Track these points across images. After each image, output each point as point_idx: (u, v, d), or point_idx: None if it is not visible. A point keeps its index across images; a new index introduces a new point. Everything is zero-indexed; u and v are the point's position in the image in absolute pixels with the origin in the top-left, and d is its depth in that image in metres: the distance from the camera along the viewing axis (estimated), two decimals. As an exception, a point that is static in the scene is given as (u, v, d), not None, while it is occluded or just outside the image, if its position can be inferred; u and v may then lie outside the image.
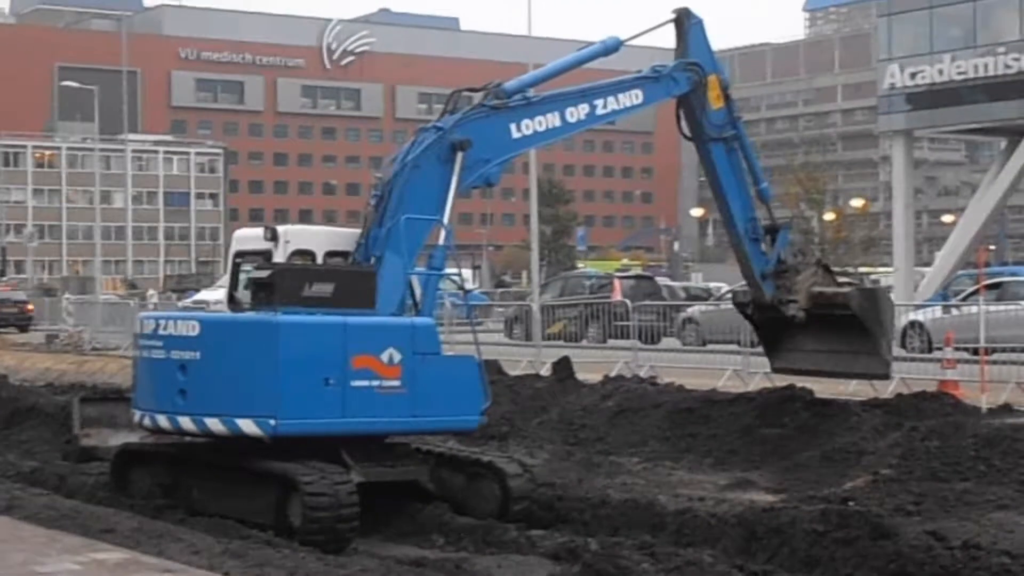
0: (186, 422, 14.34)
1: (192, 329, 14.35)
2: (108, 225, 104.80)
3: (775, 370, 20.56)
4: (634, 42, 18.48)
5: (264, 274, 14.50)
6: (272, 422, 13.71)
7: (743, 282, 20.65)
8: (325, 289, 14.25)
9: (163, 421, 14.63)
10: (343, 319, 14.10)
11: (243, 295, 15.52)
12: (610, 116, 17.47)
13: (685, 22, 18.46)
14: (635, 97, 17.58)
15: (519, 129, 16.23)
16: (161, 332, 14.62)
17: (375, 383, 14.10)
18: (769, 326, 20.12)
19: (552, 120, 16.57)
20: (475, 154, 15.62)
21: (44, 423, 21.76)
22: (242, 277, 16.29)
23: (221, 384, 14.05)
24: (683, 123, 18.72)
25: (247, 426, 13.84)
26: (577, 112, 16.89)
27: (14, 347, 40.54)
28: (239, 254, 16.24)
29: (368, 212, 15.58)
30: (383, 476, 14.62)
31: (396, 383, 14.21)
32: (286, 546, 12.60)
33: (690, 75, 18.16)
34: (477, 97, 16.43)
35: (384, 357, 14.17)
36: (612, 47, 17.86)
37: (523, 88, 16.43)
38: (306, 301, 14.13)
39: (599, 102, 17.17)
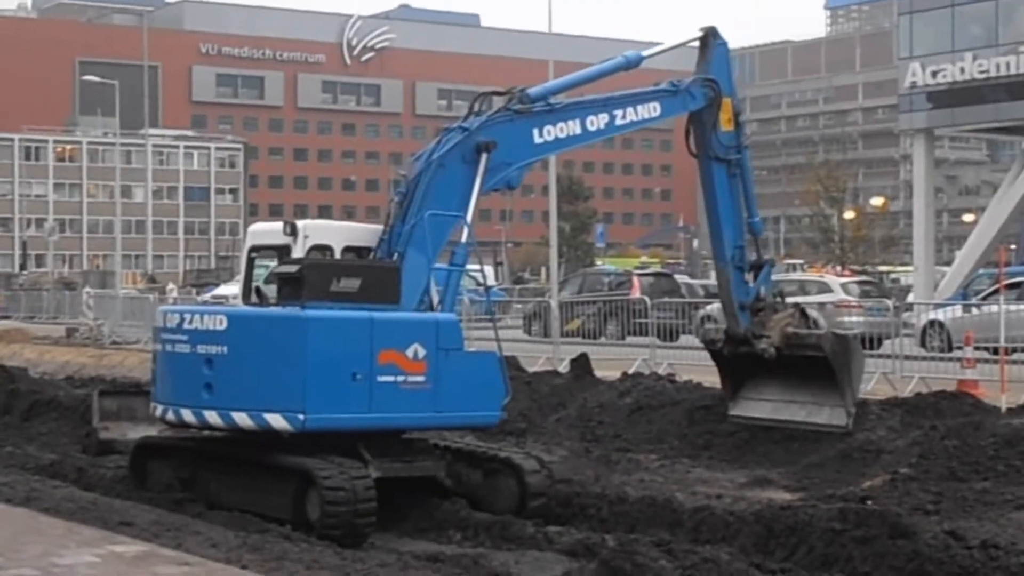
0: (212, 416, 14.38)
1: (219, 323, 14.39)
2: (128, 219, 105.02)
3: (732, 418, 20.03)
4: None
5: (291, 269, 14.54)
6: (300, 416, 13.75)
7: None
8: (351, 284, 14.31)
9: (188, 415, 14.68)
10: (370, 314, 14.14)
11: (268, 290, 15.56)
12: (628, 127, 17.80)
13: (711, 42, 18.68)
14: (653, 110, 17.88)
15: (541, 135, 16.51)
16: (186, 326, 14.66)
17: (400, 378, 14.17)
18: (736, 365, 19.80)
19: (573, 127, 16.85)
20: (499, 156, 15.86)
21: (63, 416, 21.83)
22: (258, 272, 16.33)
23: (249, 378, 14.10)
24: (691, 139, 18.90)
25: (275, 420, 13.88)
26: (597, 121, 17.18)
27: (35, 340, 40.65)
28: (254, 248, 16.29)
29: (392, 209, 15.73)
30: (401, 472, 14.65)
31: (421, 378, 14.26)
32: (304, 540, 12.63)
33: (707, 91, 18.37)
34: (501, 101, 16.66)
35: (409, 353, 14.23)
36: (634, 62, 18.06)
37: (546, 95, 16.75)
38: (332, 296, 14.19)
39: (618, 112, 17.44)
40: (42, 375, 28.44)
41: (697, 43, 18.86)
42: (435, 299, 15.21)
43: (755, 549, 12.99)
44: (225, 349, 14.26)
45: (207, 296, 49.64)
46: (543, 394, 22.81)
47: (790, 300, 21.05)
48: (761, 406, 19.58)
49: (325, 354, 13.89)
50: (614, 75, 18.05)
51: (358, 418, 14.07)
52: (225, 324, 14.36)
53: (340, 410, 13.94)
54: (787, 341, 18.98)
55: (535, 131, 16.44)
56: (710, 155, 18.72)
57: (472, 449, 15.89)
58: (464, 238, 15.52)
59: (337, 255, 15.54)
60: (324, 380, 13.86)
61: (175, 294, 48.92)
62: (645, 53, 18.30)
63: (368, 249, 15.68)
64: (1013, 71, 51.61)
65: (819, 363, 18.79)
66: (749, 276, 19.22)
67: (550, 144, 16.74)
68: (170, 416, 15.04)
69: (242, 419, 14.13)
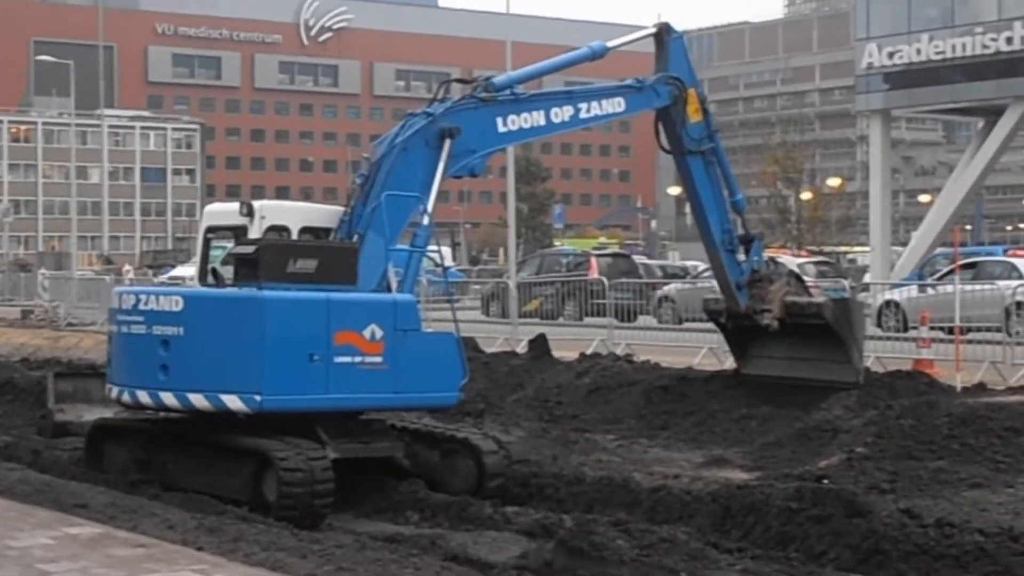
0: (168, 398, 14.32)
1: (175, 304, 14.32)
2: (84, 200, 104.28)
3: (744, 377, 20.49)
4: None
5: (248, 250, 14.48)
6: (258, 398, 13.72)
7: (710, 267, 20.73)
8: (308, 265, 14.27)
9: (143, 397, 14.61)
10: (327, 295, 14.10)
11: (225, 271, 15.50)
12: (592, 120, 17.95)
13: (665, 36, 18.83)
14: (618, 105, 18.08)
15: (505, 124, 16.60)
16: (142, 307, 14.57)
17: (358, 359, 14.14)
18: (740, 334, 20.31)
19: (537, 118, 16.96)
20: (462, 143, 15.92)
21: (18, 398, 21.70)
22: (214, 253, 16.27)
23: (205, 360, 14.04)
24: (662, 137, 19.07)
25: (232, 402, 13.83)
26: (562, 113, 17.31)
27: (-11, 322, 40.38)
28: (210, 229, 16.24)
29: (353, 191, 15.73)
30: (358, 452, 14.63)
31: (378, 359, 14.25)
32: (261, 521, 12.58)
33: (671, 89, 18.54)
34: (460, 89, 16.76)
35: (367, 333, 14.21)
36: (599, 52, 18.18)
37: (511, 84, 16.83)
38: (289, 277, 14.15)
39: (583, 106, 17.58)
40: (-3, 357, 28.24)
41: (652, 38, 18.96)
42: (394, 281, 15.19)
43: (712, 528, 13.04)
44: (181, 330, 14.18)
45: (164, 277, 49.43)
46: (501, 375, 22.81)
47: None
48: (771, 364, 19.97)
49: (282, 335, 13.84)
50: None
51: (315, 399, 14.04)
52: (181, 305, 14.29)
53: (297, 391, 13.91)
54: (788, 311, 19.38)
55: (499, 120, 16.52)
56: (684, 150, 18.89)
57: (430, 430, 15.88)
58: (424, 221, 15.51)
59: (294, 236, 15.49)
60: (281, 361, 13.81)
61: (131, 275, 48.68)
62: (610, 44, 18.43)
63: (326, 230, 15.65)
64: (969, 52, 51.88)
65: (822, 326, 19.19)
66: (741, 255, 19.48)
67: (514, 133, 16.87)
68: (126, 398, 14.95)
69: (199, 400, 14.07)
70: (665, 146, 19.17)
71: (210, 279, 15.83)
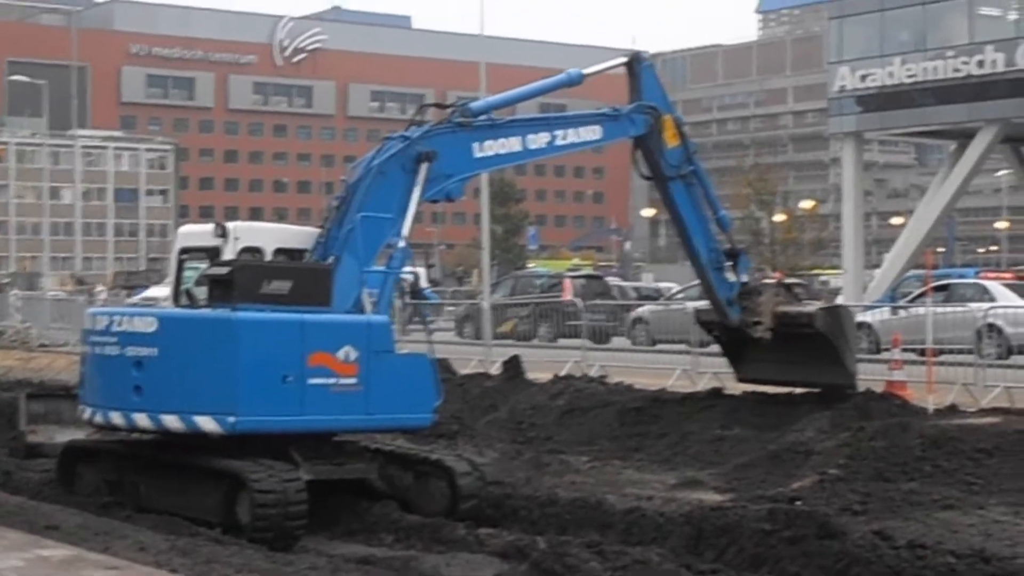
0: (142, 419, 14.28)
1: (149, 325, 14.30)
2: (57, 221, 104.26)
3: (741, 380, 20.83)
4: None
5: (222, 271, 14.47)
6: (231, 419, 13.69)
7: (696, 281, 20.90)
8: (282, 286, 14.26)
9: (116, 418, 14.56)
10: (300, 317, 14.09)
11: (198, 292, 15.48)
12: (568, 147, 18.11)
13: (636, 66, 18.97)
14: (594, 132, 18.24)
15: (481, 149, 16.68)
16: (115, 328, 14.55)
17: (331, 381, 14.14)
18: (734, 342, 20.59)
19: (513, 144, 17.07)
20: (439, 168, 15.98)
21: (-10, 419, 21.54)
22: (187, 274, 16.25)
23: (178, 381, 14.02)
24: (640, 164, 19.22)
25: (205, 423, 13.80)
26: (538, 140, 17.42)
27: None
28: (184, 250, 16.21)
29: (329, 213, 15.74)
30: (332, 474, 14.61)
31: (352, 381, 14.24)
32: (234, 543, 12.57)
33: (646, 117, 18.68)
34: (437, 113, 16.86)
35: (340, 355, 14.21)
36: (575, 79, 18.33)
37: (488, 109, 16.94)
38: (263, 298, 14.14)
39: (559, 133, 17.74)
40: (-32, 378, 28.08)
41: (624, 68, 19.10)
42: (368, 303, 15.19)
43: (685, 550, 13.05)
44: (155, 351, 14.16)
45: (136, 298, 49.22)
46: (475, 396, 22.82)
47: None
48: (767, 367, 20.23)
49: (256, 356, 13.83)
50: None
51: (289, 420, 14.02)
52: (155, 326, 14.27)
53: (271, 412, 13.89)
54: (779, 321, 19.64)
55: (475, 145, 16.60)
56: (664, 176, 19.02)
57: (404, 451, 15.88)
58: (400, 244, 15.54)
59: (268, 257, 15.49)
60: (255, 382, 13.80)
61: (104, 296, 48.50)
62: (585, 72, 18.55)
63: (300, 251, 15.65)
64: (941, 75, 52.17)
65: (815, 333, 19.50)
66: (729, 271, 19.68)
67: (490, 159, 16.93)
68: (98, 419, 14.91)
69: (172, 421, 14.04)
70: (645, 173, 19.33)
71: (184, 300, 15.81)
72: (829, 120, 58.82)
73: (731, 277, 19.72)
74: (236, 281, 14.14)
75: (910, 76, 53.02)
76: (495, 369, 25.78)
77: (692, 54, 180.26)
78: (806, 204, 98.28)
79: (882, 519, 13.85)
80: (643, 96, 18.79)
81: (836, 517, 13.16)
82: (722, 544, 12.92)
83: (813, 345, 19.63)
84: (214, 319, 14.15)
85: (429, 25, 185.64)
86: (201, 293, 15.27)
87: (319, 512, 14.14)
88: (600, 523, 14.28)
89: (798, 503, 14.28)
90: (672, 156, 18.95)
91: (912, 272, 48.22)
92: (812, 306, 20.64)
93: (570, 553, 12.17)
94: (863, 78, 54.33)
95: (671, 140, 18.92)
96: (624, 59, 19.13)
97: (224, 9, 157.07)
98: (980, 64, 51.16)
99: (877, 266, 63.77)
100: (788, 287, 20.78)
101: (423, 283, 53.46)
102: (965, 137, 52.87)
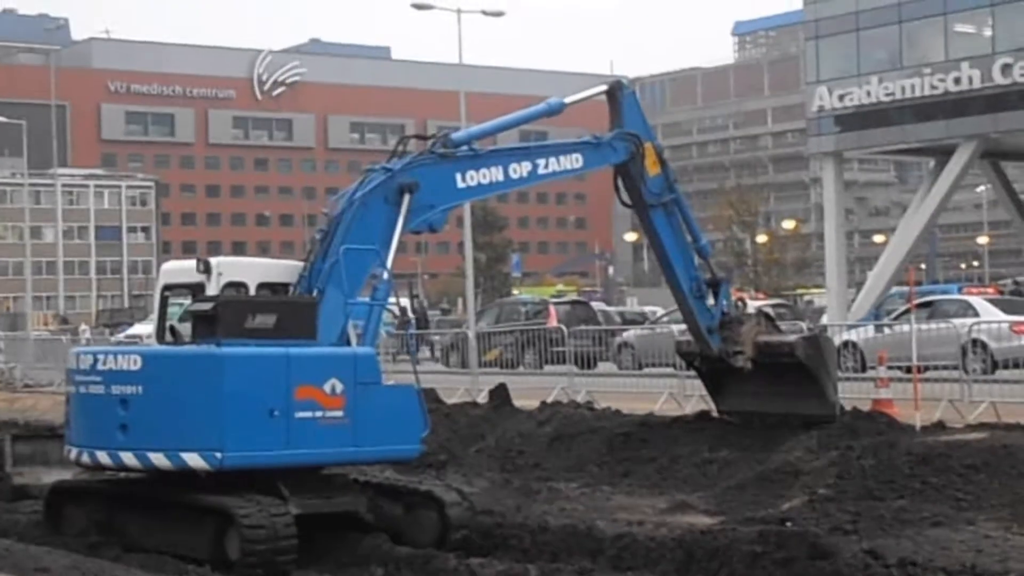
0: (128, 457, 14.22)
1: (133, 363, 14.25)
2: (39, 260, 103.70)
3: (721, 412, 20.81)
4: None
5: (206, 307, 14.44)
6: (218, 455, 13.64)
7: (675, 307, 20.93)
8: (267, 320, 14.24)
9: (103, 457, 14.50)
10: (286, 350, 14.07)
11: (183, 328, 15.44)
12: (550, 176, 18.15)
13: (618, 94, 19.07)
14: (576, 161, 18.27)
15: (464, 179, 16.74)
16: (100, 367, 14.49)
17: (318, 414, 14.10)
18: (714, 373, 20.60)
19: (496, 174, 17.12)
20: (421, 198, 16.02)
21: (-25, 462, 21.42)
22: (172, 310, 16.21)
23: (165, 418, 13.95)
24: (622, 192, 19.33)
25: (192, 460, 13.75)
26: (520, 169, 17.48)
27: (-55, 385, 39.98)
28: (167, 287, 16.17)
29: (312, 246, 15.77)
30: (321, 508, 14.56)
31: (339, 413, 14.21)
32: (224, 580, 12.50)
33: (628, 145, 18.77)
34: (418, 144, 16.94)
35: (327, 388, 14.18)
36: (556, 108, 18.43)
37: (470, 139, 17.00)
38: (248, 333, 14.10)
39: (541, 162, 17.78)
40: (-47, 420, 27.93)
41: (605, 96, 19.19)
42: (353, 335, 15.19)
43: (677, 574, 13.04)
44: (140, 389, 14.10)
45: (121, 336, 49.13)
46: (462, 425, 22.78)
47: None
48: (747, 400, 20.22)
49: (242, 391, 13.79)
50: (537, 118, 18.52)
51: (277, 455, 13.97)
52: (140, 364, 14.22)
53: (258, 447, 13.85)
54: (760, 351, 19.70)
55: (458, 175, 16.65)
56: (645, 204, 19.12)
57: (392, 483, 15.84)
58: (384, 275, 15.56)
59: (252, 292, 15.46)
60: (241, 418, 13.75)
61: (88, 334, 48.38)
62: (567, 100, 18.64)
63: (283, 285, 15.63)
64: (918, 93, 52.46)
65: (796, 363, 19.52)
66: (710, 299, 19.74)
67: (473, 189, 16.96)
68: (85, 459, 14.84)
69: (159, 459, 13.98)
70: (626, 201, 19.43)
71: (168, 337, 15.77)
72: (808, 140, 59.13)
73: (712, 305, 19.76)
74: (220, 316, 14.12)
75: (888, 94, 53.29)
76: (482, 398, 25.75)
77: (670, 78, 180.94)
78: (788, 224, 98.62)
79: (873, 537, 13.84)
80: (624, 124, 18.89)
81: (827, 537, 13.15)
82: (713, 567, 12.90)
83: (793, 376, 19.61)
84: (199, 355, 14.12)
85: (408, 55, 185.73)
86: (185, 329, 15.23)
87: (309, 546, 14.09)
88: (591, 549, 14.24)
89: (788, 524, 14.27)
90: (653, 184, 19.05)
91: (895, 289, 48.35)
92: (792, 336, 20.70)
93: (562, 581, 12.15)
94: (841, 97, 54.59)
95: (652, 168, 19.01)
96: (605, 87, 19.24)
97: (202, 44, 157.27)
98: (957, 81, 51.45)
99: (861, 284, 63.94)
100: (768, 317, 20.81)
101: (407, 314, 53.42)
102: (944, 154, 53.11)
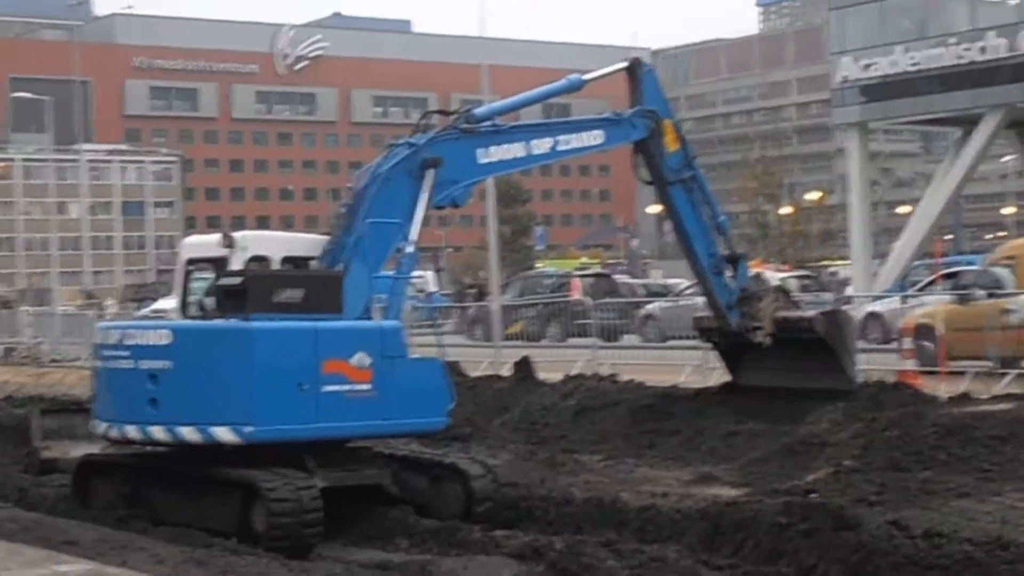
0: (158, 432, 14.29)
1: (163, 338, 14.31)
2: (65, 236, 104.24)
3: (741, 386, 20.79)
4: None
5: (235, 281, 14.48)
6: (248, 429, 13.71)
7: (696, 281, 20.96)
8: (295, 295, 14.30)
9: (132, 431, 14.58)
10: (314, 324, 14.12)
11: (208, 302, 15.50)
12: (571, 152, 18.34)
13: (637, 71, 19.18)
14: (597, 137, 18.43)
15: (486, 154, 16.87)
16: (128, 342, 14.56)
17: (346, 387, 14.17)
18: (733, 348, 20.65)
19: (517, 150, 17.26)
20: (444, 174, 16.10)
21: (3, 436, 21.59)
22: (195, 285, 16.26)
23: (194, 392, 14.03)
24: (640, 170, 19.43)
25: (222, 434, 13.82)
26: (541, 145, 17.65)
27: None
28: (190, 261, 16.22)
29: (337, 220, 15.83)
30: (346, 480, 14.62)
31: (366, 387, 14.27)
32: (250, 553, 12.57)
33: (647, 122, 18.90)
34: (441, 119, 17.06)
35: (354, 361, 14.25)
36: (576, 85, 18.61)
37: (491, 116, 17.13)
38: (276, 307, 14.15)
39: (562, 138, 17.96)
40: (-20, 395, 28.12)
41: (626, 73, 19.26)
42: (378, 309, 15.23)
43: (702, 546, 13.04)
44: (170, 364, 14.17)
45: (146, 310, 49.28)
46: (486, 398, 22.82)
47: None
48: (766, 374, 20.21)
49: (271, 365, 13.85)
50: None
51: (305, 428, 14.04)
52: (170, 339, 14.28)
53: (287, 421, 13.91)
54: (779, 326, 19.75)
55: (480, 151, 16.76)
56: (665, 181, 19.19)
57: (417, 456, 15.88)
58: (409, 249, 15.62)
59: (276, 266, 15.50)
60: (270, 391, 13.82)
61: (114, 310, 48.54)
62: (586, 77, 18.76)
63: (307, 259, 15.67)
64: (944, 63, 52.11)
65: (815, 339, 19.58)
66: (728, 276, 19.79)
67: (494, 164, 17.09)
68: (113, 433, 14.93)
69: (189, 433, 14.05)
70: (645, 178, 19.54)
71: (195, 311, 15.83)
72: (833, 111, 58.78)
73: (730, 281, 19.78)
74: (249, 291, 14.17)
75: (913, 64, 52.96)
76: (506, 371, 25.78)
77: (694, 49, 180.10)
78: (813, 196, 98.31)
79: (898, 509, 13.82)
80: (644, 101, 19.00)
81: (852, 508, 13.14)
82: (738, 539, 12.91)
83: (813, 350, 19.63)
84: (229, 329, 14.18)
85: (429, 29, 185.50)
86: (212, 304, 15.29)
87: (334, 519, 14.16)
88: (616, 521, 14.27)
89: (813, 496, 14.26)
90: (672, 160, 19.13)
91: (921, 261, 48.17)
92: (811, 311, 20.75)
93: (586, 553, 12.18)
94: (866, 68, 54.27)
95: (671, 144, 19.11)
96: (625, 64, 19.30)
97: (225, 19, 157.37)
98: (983, 50, 51.08)
99: (885, 255, 63.76)
100: (786, 292, 20.90)
101: (431, 287, 53.52)
102: (970, 124, 52.78)
